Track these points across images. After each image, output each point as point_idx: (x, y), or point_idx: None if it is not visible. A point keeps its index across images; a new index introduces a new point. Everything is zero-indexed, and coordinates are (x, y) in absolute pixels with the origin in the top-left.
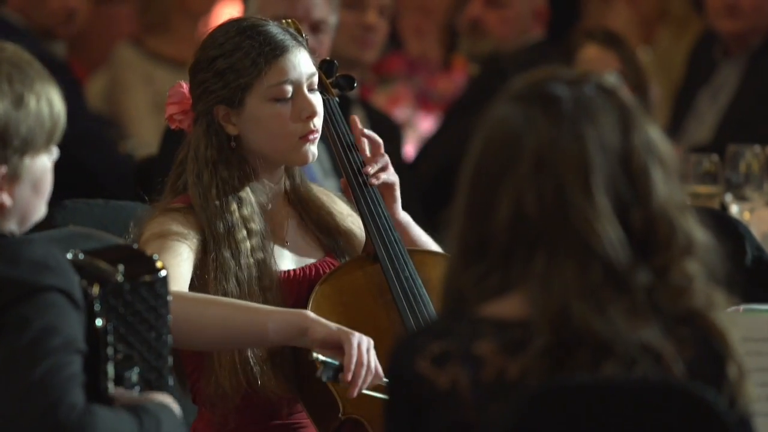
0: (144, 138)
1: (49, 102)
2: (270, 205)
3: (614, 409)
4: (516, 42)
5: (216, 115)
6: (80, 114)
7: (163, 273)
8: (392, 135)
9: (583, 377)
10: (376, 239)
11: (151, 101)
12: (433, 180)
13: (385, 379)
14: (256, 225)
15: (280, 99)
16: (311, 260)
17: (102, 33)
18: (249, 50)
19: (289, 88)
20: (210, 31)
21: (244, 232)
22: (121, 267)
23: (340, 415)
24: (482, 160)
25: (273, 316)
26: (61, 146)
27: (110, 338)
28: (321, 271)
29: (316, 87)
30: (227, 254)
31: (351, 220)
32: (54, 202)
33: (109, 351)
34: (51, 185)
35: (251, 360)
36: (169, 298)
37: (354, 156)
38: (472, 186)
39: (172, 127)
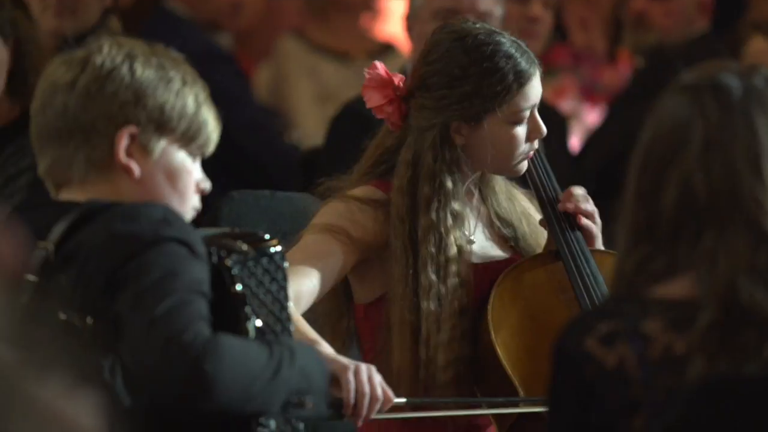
0: (309, 129)
1: (197, 99)
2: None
3: None
4: (681, 34)
5: (450, 129)
6: (247, 105)
7: (278, 248)
8: (557, 127)
9: (752, 369)
10: (558, 236)
11: (315, 93)
12: (599, 172)
13: (398, 400)
14: (465, 243)
15: (519, 122)
16: (495, 256)
17: (268, 25)
18: (500, 78)
19: (528, 113)
20: (442, 38)
21: (455, 250)
22: (240, 242)
23: (519, 406)
24: (651, 146)
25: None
26: (229, 137)
27: (248, 300)
28: (504, 268)
29: None
30: (432, 274)
31: (531, 216)
32: (221, 194)
33: (247, 310)
34: (196, 200)
35: (434, 364)
36: (286, 264)
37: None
38: (642, 171)
39: (379, 116)
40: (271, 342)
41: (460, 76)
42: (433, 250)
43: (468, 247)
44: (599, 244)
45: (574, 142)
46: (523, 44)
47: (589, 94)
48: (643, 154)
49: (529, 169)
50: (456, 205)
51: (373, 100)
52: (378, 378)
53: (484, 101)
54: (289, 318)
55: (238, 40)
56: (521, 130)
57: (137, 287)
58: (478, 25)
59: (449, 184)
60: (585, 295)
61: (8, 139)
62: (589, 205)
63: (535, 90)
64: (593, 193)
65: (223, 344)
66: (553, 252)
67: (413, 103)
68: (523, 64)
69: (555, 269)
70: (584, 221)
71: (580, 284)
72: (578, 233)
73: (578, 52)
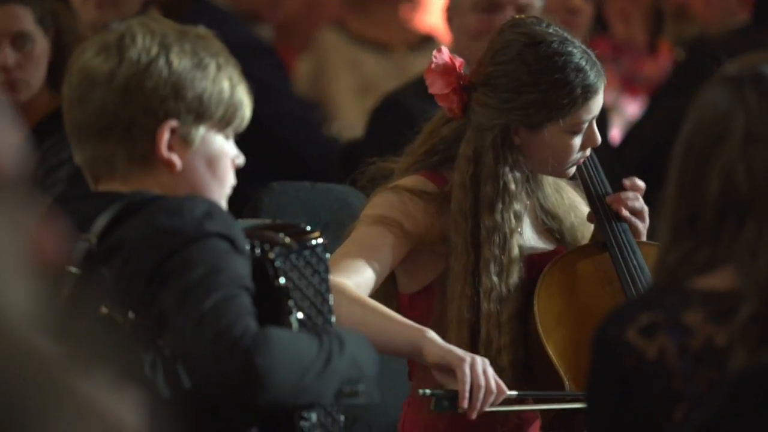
0: (349, 121)
1: (231, 81)
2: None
3: None
4: (722, 26)
5: (511, 131)
6: (287, 97)
7: (320, 240)
8: (598, 119)
9: None
10: (605, 228)
11: (355, 84)
12: (640, 164)
13: (510, 392)
14: (524, 241)
15: (579, 132)
16: (540, 248)
17: (308, 16)
18: (569, 91)
19: (587, 123)
20: (514, 39)
21: (517, 252)
22: (282, 235)
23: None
24: (693, 138)
25: (402, 330)
26: (269, 129)
27: (292, 293)
28: (549, 259)
29: None
30: (494, 276)
31: (578, 209)
32: (261, 185)
33: (290, 303)
34: (232, 177)
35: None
36: (327, 256)
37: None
38: (683, 163)
39: (441, 104)
40: (319, 332)
41: (528, 83)
42: (496, 251)
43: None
44: (644, 238)
45: (615, 134)
46: (592, 54)
47: (629, 86)
48: (685, 146)
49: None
50: (518, 206)
51: (436, 86)
52: (491, 371)
53: (549, 111)
54: (330, 310)
55: (278, 32)
56: (578, 140)
57: (182, 283)
58: (551, 30)
59: (512, 186)
60: (631, 286)
61: (49, 131)
62: (638, 203)
63: (598, 103)
64: None
65: (273, 337)
66: (600, 243)
67: (475, 97)
68: (592, 77)
69: (601, 260)
70: (630, 218)
71: (627, 275)
72: (625, 225)
73: (619, 43)
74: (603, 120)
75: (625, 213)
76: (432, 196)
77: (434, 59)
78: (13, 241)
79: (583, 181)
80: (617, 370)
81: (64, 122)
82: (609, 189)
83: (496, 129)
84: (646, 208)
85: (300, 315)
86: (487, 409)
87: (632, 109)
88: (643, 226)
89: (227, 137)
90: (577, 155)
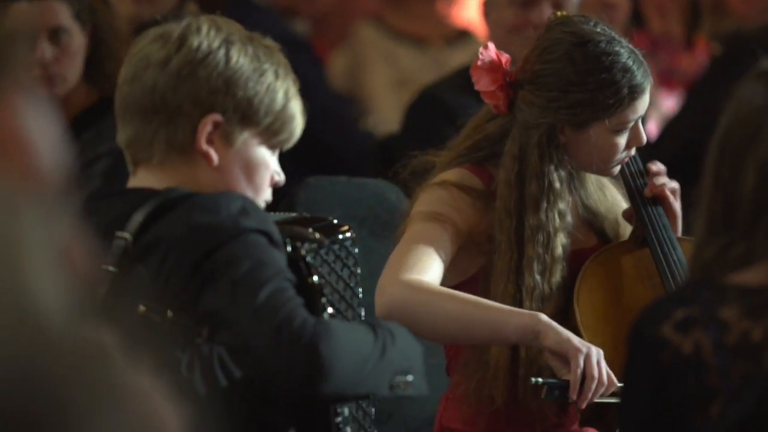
0: (385, 115)
1: (287, 94)
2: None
3: None
4: (759, 21)
5: (556, 128)
6: (321, 91)
7: (349, 234)
8: None
9: None
10: (646, 223)
11: (392, 79)
12: (676, 159)
13: (620, 384)
14: (568, 241)
15: (624, 131)
16: (580, 244)
17: (344, 10)
18: (615, 91)
19: (633, 123)
20: (561, 38)
21: (560, 251)
22: (311, 230)
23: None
24: (729, 134)
25: (512, 317)
26: (305, 123)
27: (325, 289)
28: (589, 255)
29: None
30: (537, 274)
31: (619, 206)
32: (297, 180)
33: (323, 300)
34: (268, 192)
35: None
36: (356, 250)
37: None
38: (719, 158)
39: (487, 100)
40: (373, 323)
41: (576, 83)
42: (540, 250)
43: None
44: (680, 225)
45: (651, 128)
46: (639, 54)
47: (666, 81)
48: (721, 142)
49: None
50: (562, 205)
51: (483, 83)
52: (604, 362)
53: (595, 111)
54: (360, 303)
55: (314, 26)
56: (623, 139)
57: (230, 280)
58: (598, 29)
59: (557, 184)
60: (671, 282)
61: (86, 125)
62: (674, 183)
63: (644, 102)
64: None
65: (333, 327)
66: (640, 238)
67: (521, 95)
68: (639, 77)
69: (641, 255)
70: (674, 202)
71: (667, 271)
72: (666, 220)
73: (655, 38)
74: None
75: (670, 196)
76: (478, 192)
77: (480, 56)
78: (50, 237)
79: (623, 176)
80: (652, 365)
81: (102, 116)
82: (647, 180)
83: (542, 127)
84: (678, 187)
85: (330, 310)
86: (597, 400)
87: (669, 103)
88: (679, 207)
89: (272, 149)
90: (622, 154)
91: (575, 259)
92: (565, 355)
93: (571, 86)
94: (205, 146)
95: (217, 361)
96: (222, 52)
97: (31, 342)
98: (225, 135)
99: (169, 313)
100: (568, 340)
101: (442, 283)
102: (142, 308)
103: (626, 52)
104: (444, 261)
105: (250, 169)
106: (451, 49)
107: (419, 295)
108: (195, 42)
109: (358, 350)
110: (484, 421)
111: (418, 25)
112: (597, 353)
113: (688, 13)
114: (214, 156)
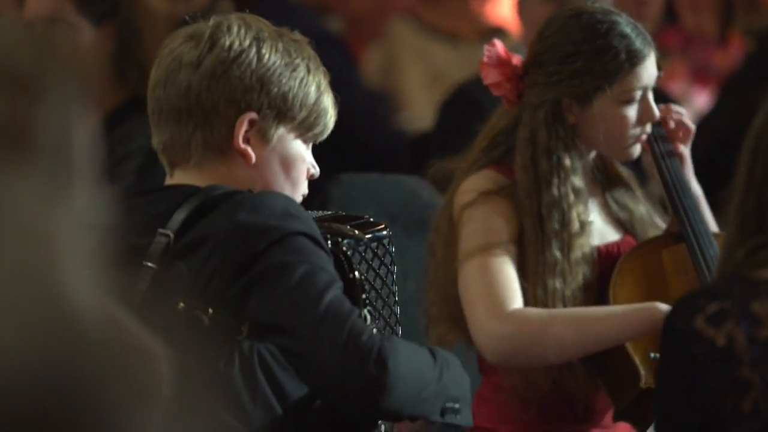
0: (419, 111)
1: (319, 87)
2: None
3: None
4: None
5: (561, 105)
6: (355, 88)
7: (386, 231)
8: None
9: None
10: (683, 218)
11: (426, 75)
12: (709, 156)
13: None
14: (588, 218)
15: (630, 102)
16: (612, 239)
17: (378, 7)
18: (613, 56)
19: (639, 93)
20: (559, 15)
21: (577, 226)
22: (349, 227)
23: (641, 384)
24: (762, 133)
25: (627, 318)
26: (338, 120)
27: (366, 286)
28: (622, 250)
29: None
30: (557, 251)
31: (648, 210)
32: (329, 176)
33: (364, 297)
34: (305, 185)
35: None
36: (393, 248)
37: (658, 132)
38: (752, 158)
39: (496, 93)
40: (431, 348)
41: (572, 53)
42: (556, 226)
43: (590, 224)
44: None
45: None
46: (640, 27)
47: (699, 77)
48: (754, 142)
49: (653, 151)
50: (576, 181)
51: (491, 76)
52: None
53: (595, 78)
54: (396, 302)
55: (348, 23)
56: (632, 111)
57: (286, 285)
58: (596, 5)
59: (567, 161)
60: (708, 277)
61: (117, 123)
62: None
63: (648, 72)
64: (703, 179)
65: (398, 344)
66: (675, 233)
67: (527, 80)
68: (638, 44)
69: (677, 251)
70: (682, 148)
71: (704, 266)
72: (703, 215)
73: (689, 34)
74: None
75: (681, 148)
76: (508, 189)
77: (486, 52)
78: (81, 233)
79: (659, 170)
80: (686, 358)
81: (133, 114)
82: (684, 179)
83: (547, 104)
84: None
85: (369, 308)
86: None
87: (702, 100)
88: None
89: (306, 143)
90: (634, 131)
91: (608, 252)
92: None
93: (569, 57)
94: (242, 145)
95: (257, 360)
96: (254, 50)
97: (66, 341)
98: (261, 132)
99: (210, 311)
100: None
101: None
102: (181, 305)
103: (624, 21)
104: (518, 283)
105: (288, 164)
106: (485, 45)
107: (533, 327)
108: (227, 41)
109: (421, 371)
110: (518, 419)
111: (451, 22)
112: None
113: (722, 10)
114: (252, 154)
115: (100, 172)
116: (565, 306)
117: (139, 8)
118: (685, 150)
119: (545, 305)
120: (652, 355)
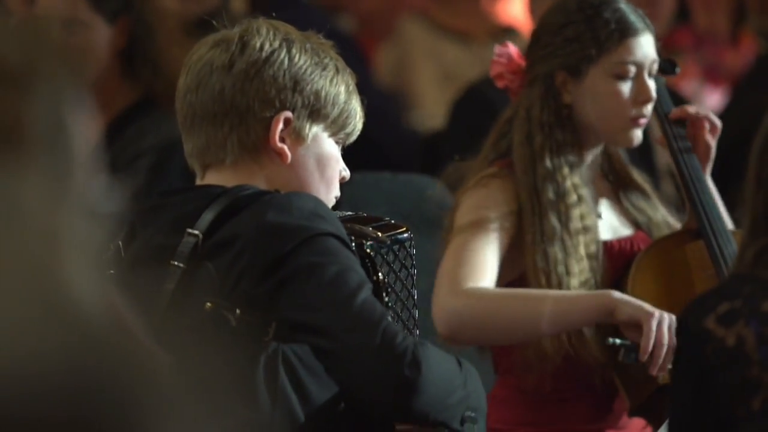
0: (430, 111)
1: (348, 87)
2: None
3: None
4: None
5: (555, 80)
6: (367, 87)
7: (408, 234)
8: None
9: None
10: (701, 215)
11: (438, 74)
12: (722, 155)
13: None
14: (586, 192)
15: (622, 77)
16: (625, 234)
17: (389, 6)
18: (603, 24)
19: (633, 69)
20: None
21: (575, 197)
22: (371, 228)
23: (659, 380)
24: None
25: (581, 301)
26: None
27: (388, 288)
28: (635, 245)
29: (654, 73)
30: (554, 220)
31: (663, 211)
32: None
33: (386, 299)
34: (338, 187)
35: None
36: (414, 251)
37: (676, 129)
38: (761, 158)
39: (500, 85)
40: (456, 356)
41: (564, 24)
42: (552, 197)
43: (595, 210)
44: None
45: None
46: (640, 11)
47: (711, 77)
48: (763, 142)
49: (671, 148)
50: (571, 156)
51: (496, 69)
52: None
53: (584, 48)
54: (415, 305)
55: (360, 22)
56: (625, 88)
57: (317, 285)
58: None
59: (559, 134)
60: (726, 274)
61: (129, 121)
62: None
63: (642, 48)
64: (715, 177)
65: (431, 349)
66: (693, 230)
67: (527, 63)
68: (630, 18)
69: (695, 247)
70: (708, 139)
71: (722, 263)
72: (720, 212)
73: (701, 34)
74: None
75: (707, 138)
76: (502, 173)
77: (497, 51)
78: (88, 235)
79: (678, 168)
80: (697, 358)
81: (145, 112)
82: (703, 176)
83: (540, 78)
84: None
85: (390, 311)
86: (670, 366)
87: (714, 99)
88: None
89: (338, 144)
90: (630, 111)
91: (620, 249)
92: (639, 323)
93: (560, 28)
94: (279, 144)
95: (281, 361)
96: (284, 50)
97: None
98: (296, 131)
99: (237, 312)
100: (641, 308)
101: (499, 281)
102: (209, 305)
103: (622, 1)
104: (494, 264)
105: (323, 163)
106: (497, 44)
107: (484, 302)
108: (257, 43)
109: (450, 378)
110: (533, 421)
111: (463, 21)
112: (669, 319)
113: (734, 9)
114: (288, 153)
115: (105, 166)
116: (569, 273)
117: (151, 7)
118: (713, 142)
119: (547, 275)
120: (610, 340)
